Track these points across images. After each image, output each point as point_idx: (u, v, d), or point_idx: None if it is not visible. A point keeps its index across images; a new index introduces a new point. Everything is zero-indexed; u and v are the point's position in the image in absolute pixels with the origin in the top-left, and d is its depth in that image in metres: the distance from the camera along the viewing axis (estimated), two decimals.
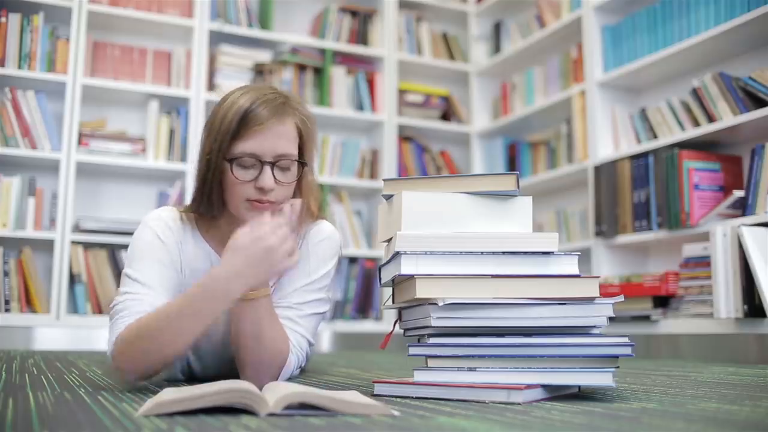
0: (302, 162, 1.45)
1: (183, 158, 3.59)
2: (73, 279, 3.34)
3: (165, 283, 1.44)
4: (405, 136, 4.21)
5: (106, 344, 1.40)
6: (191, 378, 1.62)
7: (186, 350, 1.39)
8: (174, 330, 1.27)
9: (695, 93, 2.92)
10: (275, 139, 1.39)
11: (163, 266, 1.45)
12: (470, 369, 1.22)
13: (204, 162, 1.44)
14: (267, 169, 1.38)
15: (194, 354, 1.59)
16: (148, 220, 1.51)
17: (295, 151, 1.43)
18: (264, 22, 3.90)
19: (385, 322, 3.86)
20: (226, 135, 1.39)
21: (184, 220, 1.52)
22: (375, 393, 1.29)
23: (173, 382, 1.55)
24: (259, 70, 3.83)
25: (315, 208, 1.57)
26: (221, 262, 1.29)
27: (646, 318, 2.90)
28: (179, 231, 1.50)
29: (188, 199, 1.67)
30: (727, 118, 2.77)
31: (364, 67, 4.12)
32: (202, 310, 1.26)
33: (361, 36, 4.13)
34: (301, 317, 1.50)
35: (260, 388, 1.13)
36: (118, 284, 3.35)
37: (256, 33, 3.83)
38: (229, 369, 1.55)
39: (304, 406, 1.00)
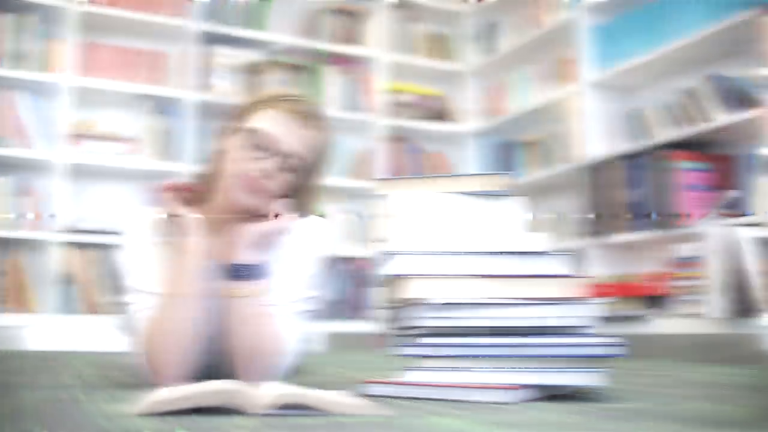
0: (306, 172, 1.45)
1: (176, 158, 3.58)
2: (66, 279, 3.33)
3: None
4: (398, 136, 4.21)
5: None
6: (197, 378, 1.61)
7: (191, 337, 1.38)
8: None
9: (688, 93, 2.93)
10: (297, 138, 1.42)
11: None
12: (463, 369, 1.22)
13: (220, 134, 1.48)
14: (277, 157, 1.40)
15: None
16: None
17: (305, 158, 1.43)
18: (257, 23, 3.89)
19: (378, 323, 3.86)
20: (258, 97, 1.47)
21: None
22: (368, 393, 1.29)
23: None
24: (252, 71, 3.82)
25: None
26: None
27: (638, 318, 2.91)
28: None
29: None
30: (719, 118, 2.78)
31: (356, 68, 4.12)
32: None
33: (354, 36, 4.13)
34: (290, 314, 1.49)
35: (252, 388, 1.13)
36: (112, 285, 3.39)
37: (249, 33, 3.83)
38: (227, 369, 1.55)
39: (296, 407, 1.00)
